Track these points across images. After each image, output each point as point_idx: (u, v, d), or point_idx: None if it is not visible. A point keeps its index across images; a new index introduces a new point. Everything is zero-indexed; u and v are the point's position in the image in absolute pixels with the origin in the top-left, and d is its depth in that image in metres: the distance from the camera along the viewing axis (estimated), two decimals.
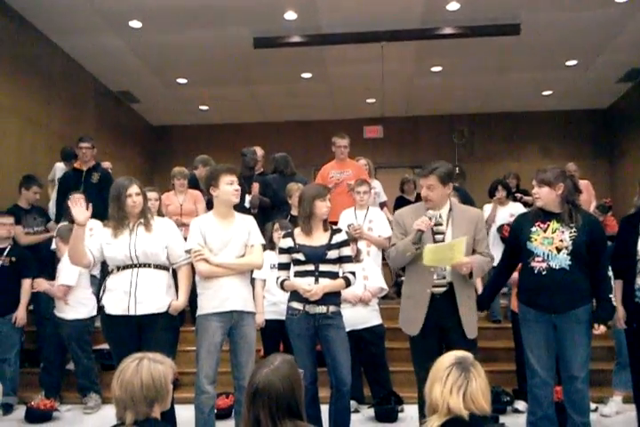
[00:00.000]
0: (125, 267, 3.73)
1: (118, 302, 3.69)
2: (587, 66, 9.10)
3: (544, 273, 3.52)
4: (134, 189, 3.75)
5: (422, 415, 3.31)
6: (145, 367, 2.21)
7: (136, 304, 3.67)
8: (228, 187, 3.69)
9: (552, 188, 3.56)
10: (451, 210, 3.65)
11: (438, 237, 3.60)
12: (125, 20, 7.45)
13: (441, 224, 3.61)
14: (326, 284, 3.69)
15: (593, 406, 4.31)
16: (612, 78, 9.68)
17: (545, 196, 3.59)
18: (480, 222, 3.67)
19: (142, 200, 3.78)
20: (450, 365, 2.12)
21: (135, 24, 7.54)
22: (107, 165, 6.83)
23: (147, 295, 3.68)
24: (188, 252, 3.76)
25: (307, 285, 3.67)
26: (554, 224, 3.57)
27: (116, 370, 2.26)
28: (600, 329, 3.54)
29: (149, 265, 3.73)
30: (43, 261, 5.82)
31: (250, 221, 3.86)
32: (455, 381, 2.08)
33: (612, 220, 7.15)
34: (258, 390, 2.08)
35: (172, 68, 9.13)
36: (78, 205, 3.61)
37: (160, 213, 5.52)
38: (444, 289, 3.57)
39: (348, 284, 3.78)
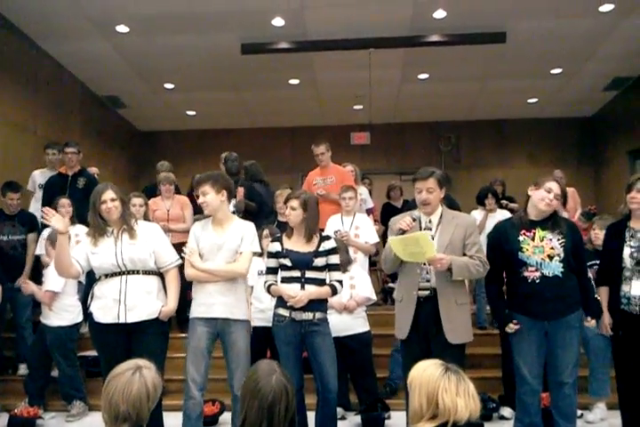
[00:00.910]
0: (113, 274, 3.68)
1: (108, 310, 3.65)
2: (572, 74, 9.17)
3: (537, 281, 3.54)
4: (108, 195, 3.66)
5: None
6: (149, 379, 2.13)
7: (126, 312, 3.63)
8: (200, 198, 3.73)
9: (560, 203, 3.68)
10: (442, 216, 3.67)
11: None
12: (112, 25, 7.41)
13: (430, 229, 3.63)
14: (312, 291, 3.69)
15: (578, 412, 4.31)
16: (597, 87, 9.77)
17: (554, 207, 3.65)
18: (471, 228, 3.65)
19: (119, 206, 3.69)
20: (442, 371, 2.11)
21: (122, 29, 7.50)
22: (93, 170, 6.78)
23: (137, 302, 3.64)
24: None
25: (292, 291, 3.66)
26: (539, 232, 3.60)
27: (113, 382, 2.12)
28: (591, 322, 3.74)
29: (138, 272, 3.69)
30: (19, 267, 5.78)
31: (247, 228, 3.79)
32: (457, 383, 2.08)
33: None
34: (275, 398, 2.02)
35: (159, 74, 9.09)
36: (52, 216, 3.52)
37: (147, 219, 5.48)
38: (427, 293, 3.57)
39: (334, 292, 3.77)
